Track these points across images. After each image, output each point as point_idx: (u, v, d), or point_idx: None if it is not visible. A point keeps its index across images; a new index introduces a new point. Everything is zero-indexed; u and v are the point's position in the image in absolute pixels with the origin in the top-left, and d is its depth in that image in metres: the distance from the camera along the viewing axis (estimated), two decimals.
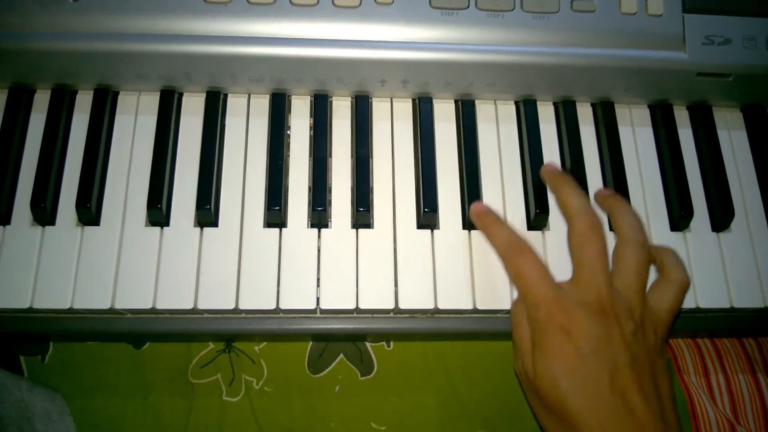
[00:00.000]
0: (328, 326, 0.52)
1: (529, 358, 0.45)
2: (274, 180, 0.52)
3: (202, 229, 0.51)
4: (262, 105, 0.55)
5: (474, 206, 0.52)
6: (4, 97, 0.54)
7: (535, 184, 0.53)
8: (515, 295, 0.51)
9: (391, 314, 0.51)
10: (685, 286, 0.48)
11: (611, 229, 0.52)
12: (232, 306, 0.49)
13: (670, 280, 0.48)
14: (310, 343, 0.59)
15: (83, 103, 0.54)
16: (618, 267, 0.47)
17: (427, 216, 0.52)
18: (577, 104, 0.57)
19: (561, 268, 0.51)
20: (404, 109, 0.56)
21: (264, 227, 0.51)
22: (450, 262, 0.51)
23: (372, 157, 0.54)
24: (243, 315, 0.51)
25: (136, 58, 0.51)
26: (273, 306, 0.49)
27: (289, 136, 0.55)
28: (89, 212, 0.50)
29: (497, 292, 0.51)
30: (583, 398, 0.42)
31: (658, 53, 0.54)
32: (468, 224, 0.53)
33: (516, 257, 0.47)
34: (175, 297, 0.49)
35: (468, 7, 0.53)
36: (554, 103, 0.58)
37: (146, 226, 0.51)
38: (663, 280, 0.49)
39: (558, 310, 0.44)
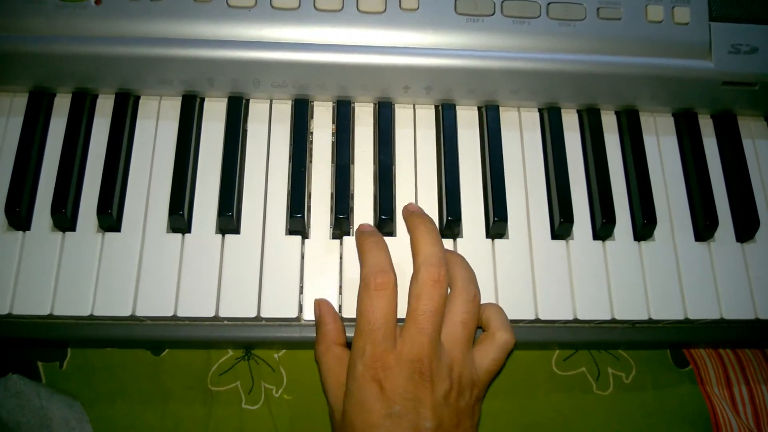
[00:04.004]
0: (349, 334, 0.51)
1: (339, 403, 0.45)
2: (296, 187, 0.52)
3: (223, 236, 0.51)
4: (284, 111, 0.55)
5: (361, 226, 0.50)
6: (24, 101, 0.53)
7: (560, 192, 0.53)
8: (540, 304, 0.50)
9: None
10: (508, 349, 0.47)
11: None
12: (253, 314, 0.49)
13: (495, 340, 0.46)
14: None
15: (104, 108, 0.54)
16: (448, 321, 0.46)
17: (451, 224, 0.51)
18: (602, 112, 0.57)
19: (586, 279, 0.51)
20: (427, 115, 0.56)
21: (286, 234, 0.51)
22: (476, 271, 0.51)
23: (394, 164, 0.54)
24: (264, 323, 0.50)
25: (158, 62, 0.51)
26: (295, 315, 0.49)
27: (311, 142, 0.54)
28: (110, 218, 0.50)
29: (520, 302, 0.50)
30: None
31: (684, 62, 0.54)
32: (492, 233, 0.52)
33: (371, 292, 0.45)
34: (197, 304, 0.49)
35: (494, 13, 0.52)
36: (578, 111, 0.57)
37: (167, 232, 0.50)
38: (487, 339, 0.47)
39: (380, 364, 0.43)
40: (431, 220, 0.50)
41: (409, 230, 0.50)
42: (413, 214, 0.50)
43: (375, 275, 0.45)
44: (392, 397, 0.43)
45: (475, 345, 0.47)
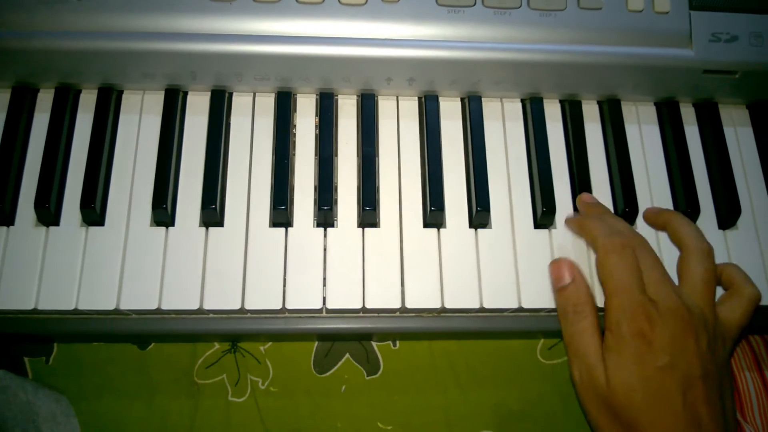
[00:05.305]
0: (334, 326, 0.51)
1: (598, 365, 0.45)
2: (279, 179, 0.52)
3: (207, 228, 0.51)
4: (267, 104, 0.55)
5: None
6: (7, 97, 0.53)
7: (542, 182, 0.53)
8: (523, 293, 0.50)
9: (398, 313, 0.51)
10: (756, 301, 0.48)
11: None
12: (238, 306, 0.49)
13: (743, 294, 0.48)
14: (316, 342, 0.59)
15: (87, 103, 0.54)
16: (688, 278, 0.47)
17: (434, 215, 0.52)
18: (584, 102, 0.57)
19: None
20: (410, 107, 0.56)
21: (270, 227, 0.51)
22: (456, 261, 0.51)
23: (378, 156, 0.54)
24: (249, 315, 0.51)
25: (141, 56, 0.51)
26: (279, 306, 0.49)
27: (294, 135, 0.54)
28: (94, 212, 0.50)
29: (504, 291, 0.50)
30: (656, 410, 0.43)
31: (665, 51, 0.54)
32: (475, 223, 0.52)
33: (615, 253, 0.46)
34: (181, 297, 0.49)
35: (474, 4, 0.53)
36: (561, 101, 0.57)
37: (151, 226, 0.51)
38: (734, 294, 0.49)
39: (643, 318, 0.44)
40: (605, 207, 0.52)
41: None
42: (588, 205, 0.52)
43: (612, 236, 0.47)
44: (662, 347, 0.43)
45: (722, 301, 0.49)
